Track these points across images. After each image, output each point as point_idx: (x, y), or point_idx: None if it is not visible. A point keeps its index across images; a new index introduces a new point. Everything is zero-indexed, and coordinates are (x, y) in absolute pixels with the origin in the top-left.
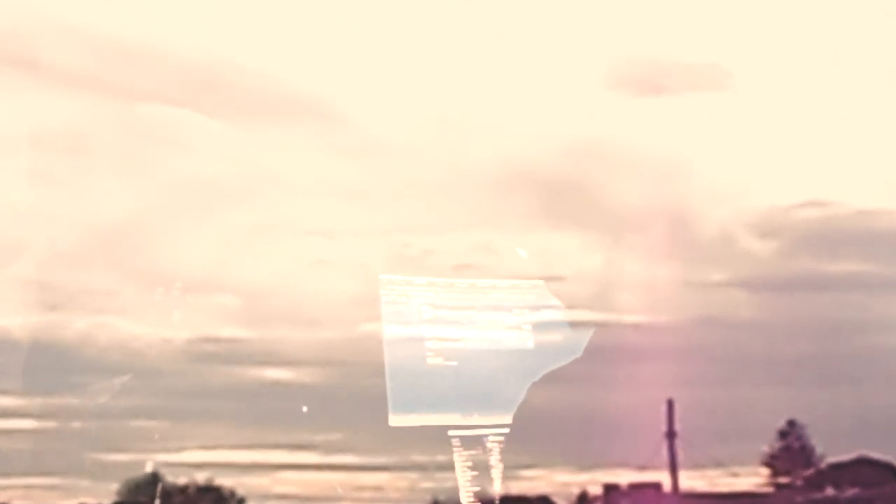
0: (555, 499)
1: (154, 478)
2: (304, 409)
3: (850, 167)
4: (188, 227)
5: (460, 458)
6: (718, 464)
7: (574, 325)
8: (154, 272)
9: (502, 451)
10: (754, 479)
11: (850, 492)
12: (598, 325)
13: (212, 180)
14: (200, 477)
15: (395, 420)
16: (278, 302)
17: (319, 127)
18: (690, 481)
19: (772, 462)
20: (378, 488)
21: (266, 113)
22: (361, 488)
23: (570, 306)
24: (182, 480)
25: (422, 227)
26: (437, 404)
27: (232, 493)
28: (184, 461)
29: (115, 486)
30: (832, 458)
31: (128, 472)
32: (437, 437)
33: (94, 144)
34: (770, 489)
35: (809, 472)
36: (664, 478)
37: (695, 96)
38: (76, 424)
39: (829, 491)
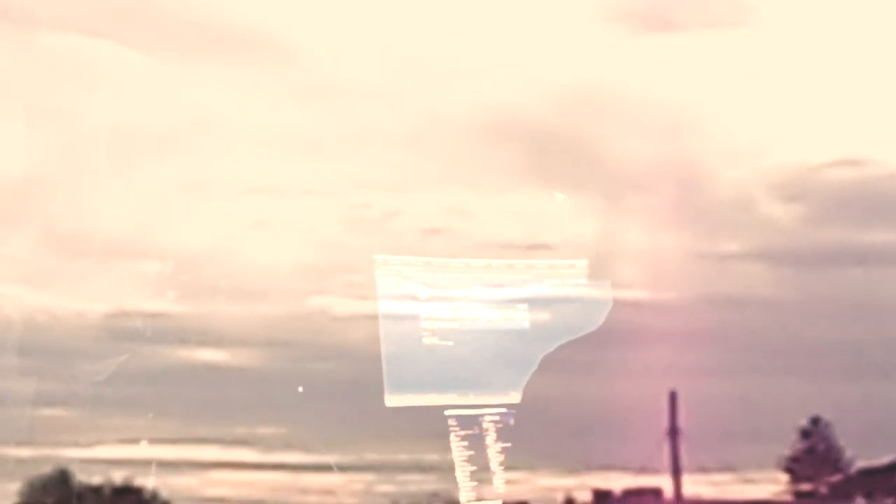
0: None
1: (63, 476)
2: (242, 396)
3: (891, 120)
4: (108, 180)
5: (426, 458)
6: (729, 467)
7: (563, 301)
8: (67, 234)
9: (477, 451)
10: (771, 485)
11: (885, 501)
12: None
13: (137, 126)
14: (118, 476)
15: (392, 401)
16: (213, 270)
17: (267, 64)
18: (696, 487)
19: (792, 466)
20: (328, 492)
21: (204, 47)
22: (308, 491)
23: (560, 279)
24: (96, 480)
25: (385, 184)
26: (432, 387)
27: (155, 496)
28: (99, 457)
29: (15, 487)
30: (863, 463)
31: (32, 469)
32: (396, 433)
33: None
34: (790, 498)
35: (836, 478)
36: (665, 483)
37: (709, 34)
38: None
39: (860, 501)
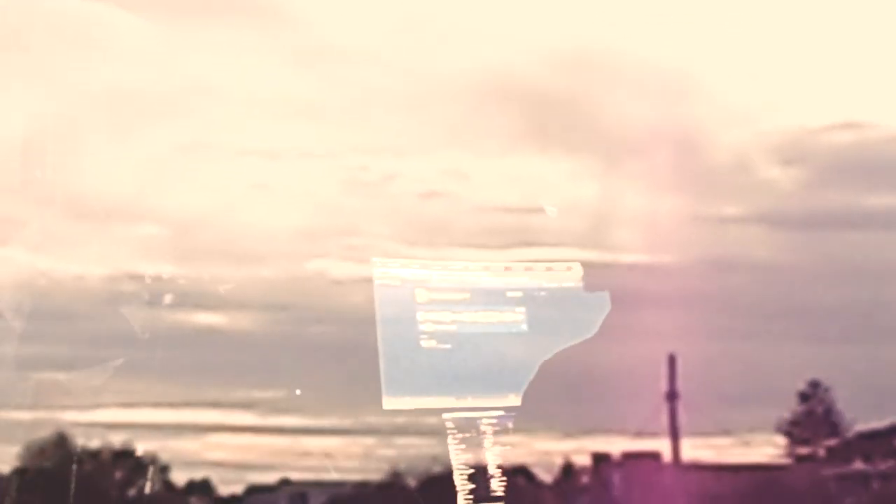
0: (535, 470)
1: (62, 440)
2: (242, 360)
3: (891, 84)
4: (107, 143)
5: (426, 421)
6: (727, 431)
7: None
8: (65, 197)
9: (475, 416)
10: (769, 448)
11: (884, 465)
12: (591, 266)
13: (135, 89)
14: (117, 439)
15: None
16: (211, 233)
17: (264, 27)
18: (694, 451)
19: (790, 430)
20: (327, 455)
21: (202, 10)
22: (307, 455)
23: (558, 243)
24: (95, 443)
25: (383, 148)
26: (431, 383)
27: (154, 459)
28: (98, 421)
29: (15, 450)
30: (862, 426)
31: (31, 432)
32: None
33: None
34: (788, 461)
35: (834, 441)
36: (664, 447)
37: None
38: None
39: (858, 464)
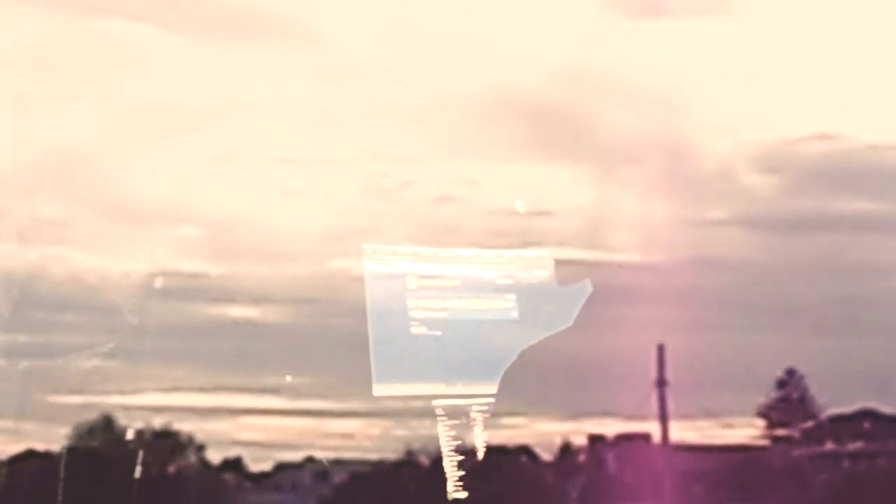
0: (536, 449)
1: (107, 422)
2: (271, 349)
3: (861, 98)
4: (149, 152)
5: (438, 405)
6: (711, 415)
7: (562, 263)
8: (112, 201)
9: (483, 400)
10: (749, 430)
11: (853, 446)
12: (588, 265)
13: (175, 103)
14: (157, 421)
15: (380, 390)
16: (244, 234)
17: (292, 47)
18: (681, 433)
19: (768, 413)
20: (348, 436)
21: (235, 30)
22: (330, 435)
23: (559, 244)
24: (137, 425)
25: (400, 156)
26: (422, 371)
27: (191, 439)
28: (140, 404)
29: (65, 431)
30: (833, 410)
31: (79, 415)
32: None
33: (48, 63)
34: (766, 442)
35: (808, 424)
36: (653, 429)
37: (697, 20)
38: (24, 363)
39: (830, 445)
